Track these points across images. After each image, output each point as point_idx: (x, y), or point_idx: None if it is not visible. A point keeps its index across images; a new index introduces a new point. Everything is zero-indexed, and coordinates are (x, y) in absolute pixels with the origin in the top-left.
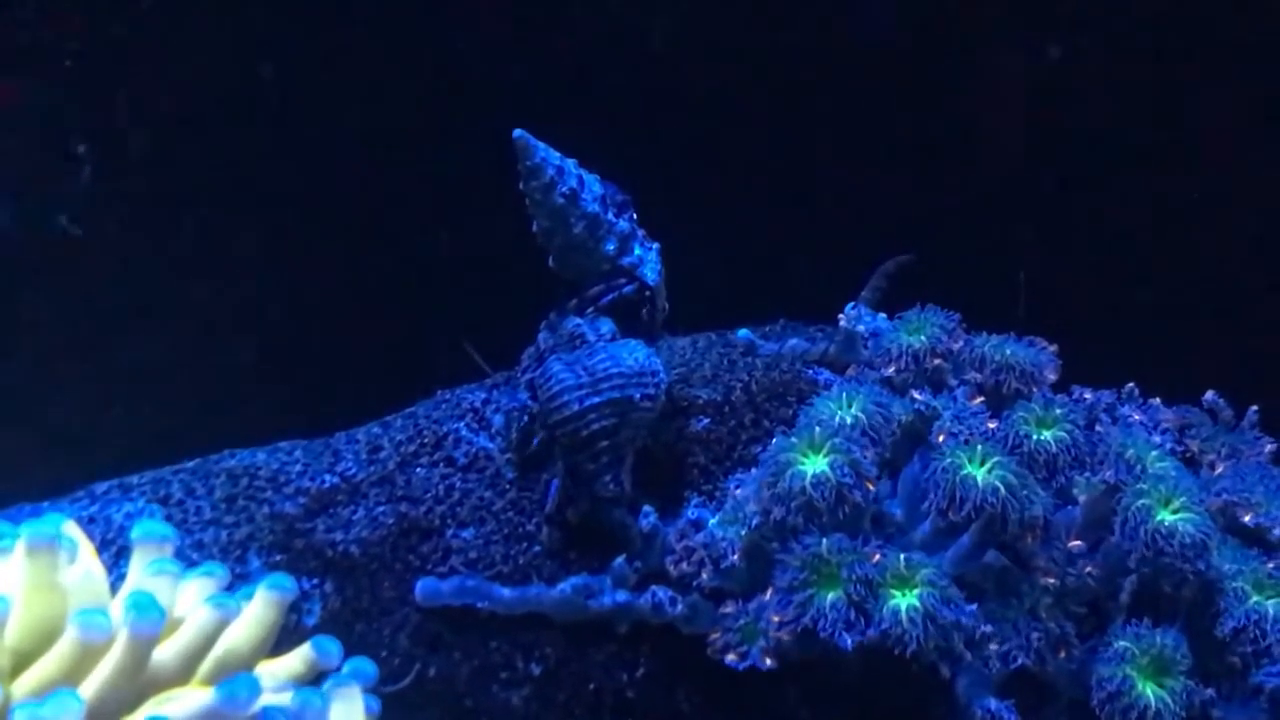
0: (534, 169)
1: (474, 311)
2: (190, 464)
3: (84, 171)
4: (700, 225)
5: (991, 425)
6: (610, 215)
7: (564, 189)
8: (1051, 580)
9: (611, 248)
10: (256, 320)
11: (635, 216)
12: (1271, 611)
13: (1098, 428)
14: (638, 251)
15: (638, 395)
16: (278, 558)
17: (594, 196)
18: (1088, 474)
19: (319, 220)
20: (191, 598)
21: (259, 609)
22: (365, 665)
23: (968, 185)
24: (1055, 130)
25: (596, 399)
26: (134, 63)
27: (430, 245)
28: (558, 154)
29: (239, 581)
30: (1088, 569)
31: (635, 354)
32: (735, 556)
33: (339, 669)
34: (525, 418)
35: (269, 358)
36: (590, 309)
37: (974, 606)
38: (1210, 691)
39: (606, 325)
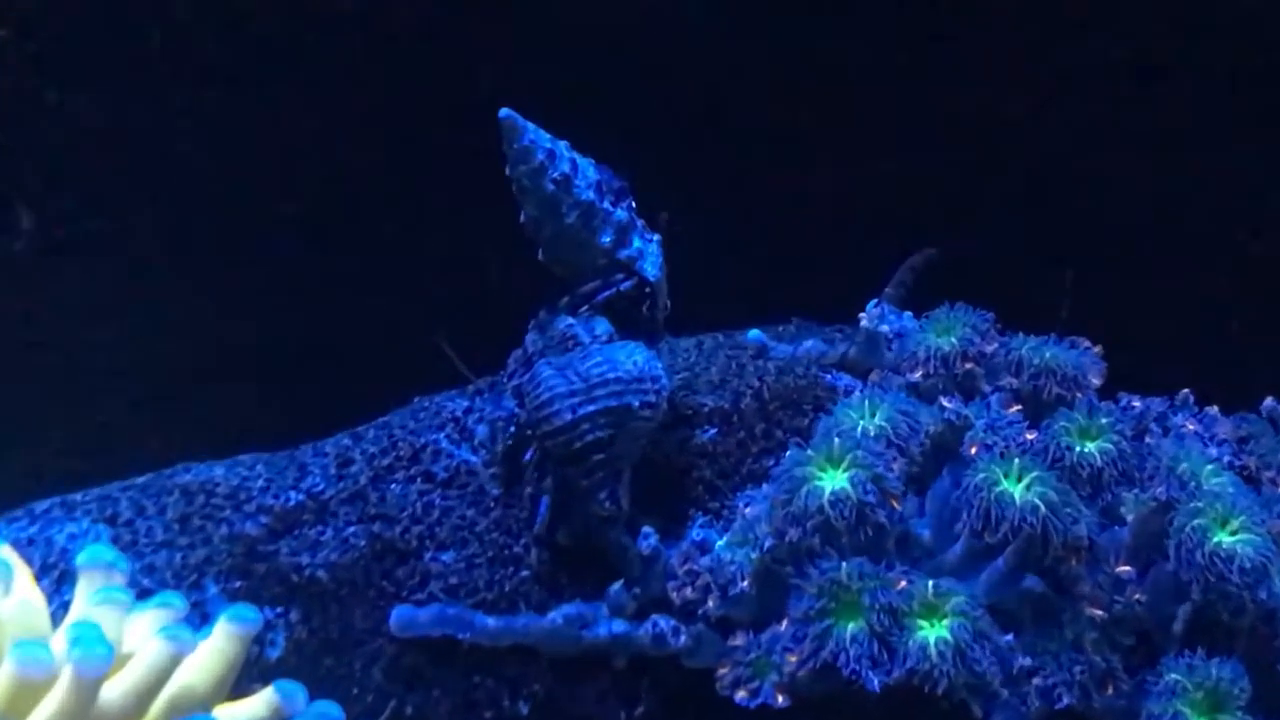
0: (522, 152)
1: (457, 310)
2: (141, 480)
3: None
4: (706, 215)
5: (1030, 436)
6: (606, 204)
7: (555, 174)
8: (1097, 609)
9: (608, 239)
10: (218, 320)
11: (634, 205)
12: None
13: (1147, 439)
14: (637, 244)
15: (636, 403)
16: (237, 584)
17: (589, 183)
18: (1136, 490)
19: (286, 217)
20: (143, 630)
21: (219, 643)
22: (331, 710)
23: (1001, 170)
24: (1097, 111)
25: (591, 407)
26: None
27: (411, 239)
28: (548, 135)
29: (194, 610)
30: (1136, 596)
31: (634, 357)
32: (745, 582)
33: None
34: (512, 428)
35: (232, 361)
36: (584, 307)
37: (1010, 638)
38: None
39: (602, 325)
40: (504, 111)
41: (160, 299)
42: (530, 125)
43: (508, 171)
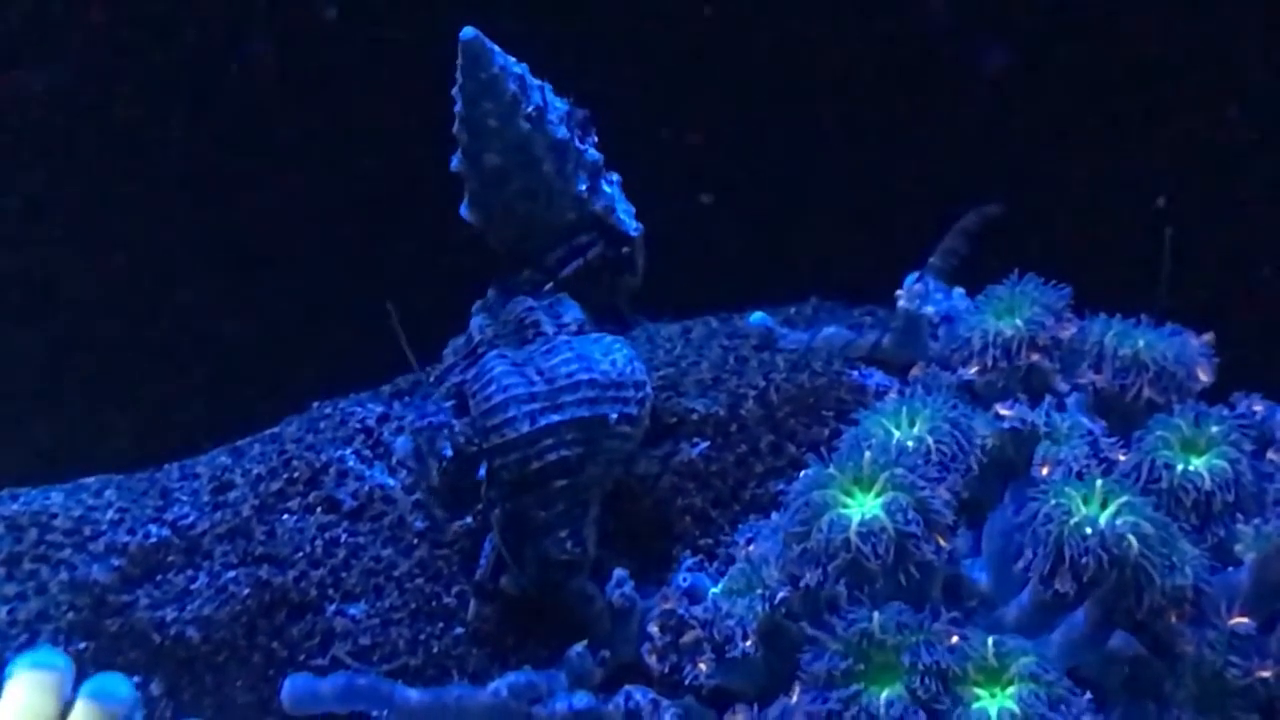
0: (491, 84)
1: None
2: None
3: None
4: (689, 156)
5: (1122, 457)
6: (578, 141)
7: (529, 109)
8: (1206, 676)
9: (583, 187)
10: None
11: (596, 140)
12: None
13: (1271, 455)
14: (608, 190)
15: (614, 415)
16: (81, 645)
17: (560, 115)
18: (1257, 521)
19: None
20: None
21: (18, 692)
22: None
23: (1088, 102)
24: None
25: (556, 417)
26: None
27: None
28: (513, 59)
29: None
30: (1261, 673)
31: (612, 355)
32: (748, 641)
33: None
34: (445, 440)
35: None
36: (549, 284)
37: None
38: None
39: (571, 311)
40: (468, 32)
41: None
42: (497, 48)
43: (462, 109)
